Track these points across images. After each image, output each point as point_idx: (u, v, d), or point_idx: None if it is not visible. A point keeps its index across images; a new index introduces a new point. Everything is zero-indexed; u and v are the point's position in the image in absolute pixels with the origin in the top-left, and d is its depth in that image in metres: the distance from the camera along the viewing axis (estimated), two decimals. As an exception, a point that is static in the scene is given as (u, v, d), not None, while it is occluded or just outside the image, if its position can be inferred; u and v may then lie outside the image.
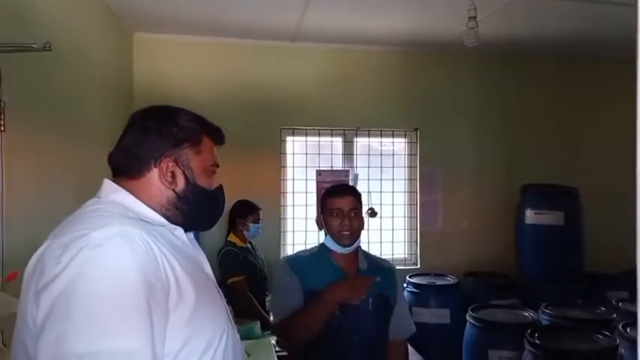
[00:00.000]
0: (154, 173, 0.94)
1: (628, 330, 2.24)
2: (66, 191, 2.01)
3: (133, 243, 0.80)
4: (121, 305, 0.75)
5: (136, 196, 0.93)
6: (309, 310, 1.53)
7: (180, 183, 0.96)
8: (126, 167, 0.95)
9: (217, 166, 1.03)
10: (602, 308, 2.68)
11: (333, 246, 1.63)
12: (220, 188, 1.06)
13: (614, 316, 2.53)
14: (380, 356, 1.63)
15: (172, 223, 0.96)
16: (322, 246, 1.67)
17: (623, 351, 2.07)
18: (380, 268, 1.70)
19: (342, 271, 1.62)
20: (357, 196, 1.65)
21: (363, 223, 1.65)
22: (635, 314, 2.56)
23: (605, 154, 3.75)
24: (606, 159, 3.74)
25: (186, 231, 0.99)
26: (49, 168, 1.92)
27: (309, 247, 1.83)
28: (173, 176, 0.95)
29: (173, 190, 0.95)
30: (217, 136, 1.03)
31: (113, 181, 0.95)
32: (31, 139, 1.74)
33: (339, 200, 1.61)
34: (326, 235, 1.65)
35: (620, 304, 2.76)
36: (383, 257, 1.87)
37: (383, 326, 1.64)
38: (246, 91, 3.35)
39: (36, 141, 1.78)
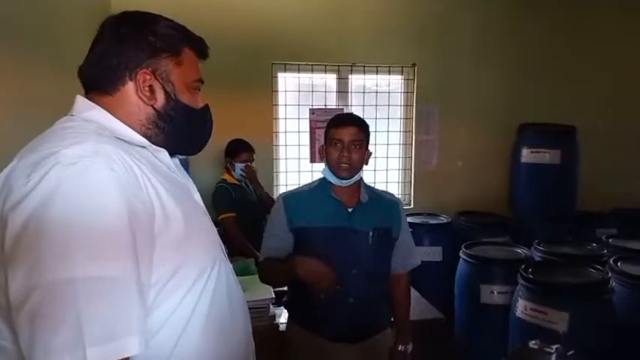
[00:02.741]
0: (130, 87, 0.85)
1: (619, 264, 2.28)
2: (46, 124, 1.90)
3: (112, 161, 0.71)
4: (100, 228, 0.67)
5: (112, 113, 0.84)
6: (279, 271, 1.54)
7: (160, 98, 0.87)
8: (98, 81, 0.85)
9: (202, 82, 0.93)
10: (593, 244, 2.71)
11: (330, 178, 1.57)
12: (206, 108, 0.96)
13: (605, 251, 2.57)
14: (380, 289, 1.63)
15: (154, 144, 0.87)
16: (323, 179, 1.62)
17: (614, 284, 2.11)
18: (382, 200, 1.66)
19: (342, 204, 1.58)
20: (361, 127, 1.56)
21: (365, 156, 1.58)
22: (624, 249, 2.60)
23: (606, 94, 3.68)
24: (606, 99, 3.68)
25: (170, 155, 0.90)
26: (27, 100, 1.80)
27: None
28: (151, 90, 0.85)
29: (152, 106, 0.86)
30: (200, 47, 0.92)
31: (86, 97, 0.85)
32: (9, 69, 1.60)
33: (340, 130, 1.53)
34: (326, 166, 1.59)
35: (610, 240, 2.81)
36: (387, 191, 1.81)
37: (384, 259, 1.63)
38: (235, 23, 3.14)
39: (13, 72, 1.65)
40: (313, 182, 1.68)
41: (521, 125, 3.55)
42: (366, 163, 1.60)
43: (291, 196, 1.63)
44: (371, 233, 1.56)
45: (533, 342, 1.11)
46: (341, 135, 1.52)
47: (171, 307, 0.79)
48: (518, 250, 2.69)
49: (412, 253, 1.72)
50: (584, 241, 2.79)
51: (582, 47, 3.66)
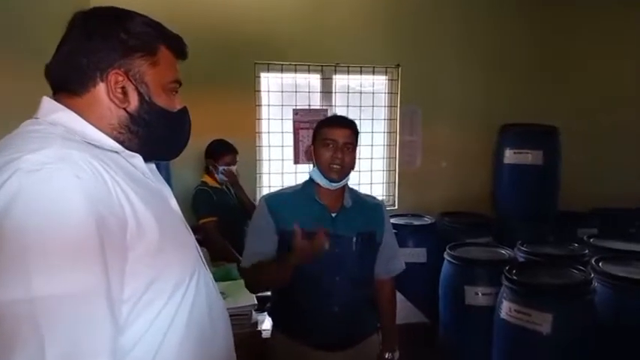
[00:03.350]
0: (101, 89, 0.79)
1: (600, 264, 2.30)
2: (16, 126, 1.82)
3: (78, 168, 0.66)
4: (64, 239, 0.62)
5: (81, 116, 0.78)
6: (267, 273, 1.48)
7: (134, 101, 0.81)
8: (67, 81, 0.79)
9: (179, 83, 0.88)
10: (575, 244, 2.74)
11: (320, 179, 1.52)
12: (184, 110, 0.91)
13: (586, 251, 2.59)
14: (365, 295, 1.60)
15: (127, 149, 0.82)
16: (308, 181, 1.57)
17: (596, 284, 2.13)
18: (365, 204, 1.63)
19: (325, 208, 1.53)
20: (354, 130, 1.52)
21: (355, 160, 1.54)
22: (605, 249, 2.63)
23: (587, 95, 3.73)
24: (587, 99, 3.73)
25: (146, 160, 0.85)
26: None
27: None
28: (124, 92, 0.80)
29: (125, 109, 0.81)
30: (178, 46, 0.86)
31: (53, 99, 0.79)
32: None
33: (335, 131, 1.49)
34: (314, 167, 1.54)
35: (591, 240, 2.84)
36: (369, 194, 1.78)
37: (368, 264, 1.59)
38: (217, 21, 3.09)
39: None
40: (297, 185, 1.63)
41: (504, 126, 3.57)
42: (354, 167, 1.56)
43: (273, 198, 1.57)
44: (355, 239, 1.51)
45: None
46: (335, 135, 1.48)
47: (146, 322, 0.74)
48: (502, 251, 2.70)
49: (396, 257, 1.68)
50: (566, 241, 2.82)
51: (563, 49, 3.70)
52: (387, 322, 1.66)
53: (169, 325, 0.78)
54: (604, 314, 2.07)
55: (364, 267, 1.58)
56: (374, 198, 1.73)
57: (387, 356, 1.60)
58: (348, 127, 1.51)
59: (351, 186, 1.64)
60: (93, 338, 0.63)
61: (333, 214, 1.53)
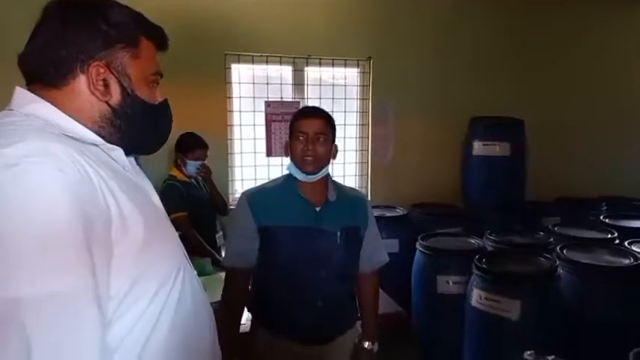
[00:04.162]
0: (81, 81, 0.76)
1: (564, 252, 2.39)
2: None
3: (61, 162, 0.63)
4: (49, 237, 0.59)
5: (60, 108, 0.74)
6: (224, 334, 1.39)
7: (116, 94, 0.78)
8: (44, 73, 0.75)
9: (161, 75, 0.86)
10: (541, 233, 2.83)
11: (296, 173, 1.50)
12: (166, 103, 0.89)
13: (551, 239, 2.69)
14: (348, 289, 1.60)
15: (108, 142, 0.79)
16: (289, 175, 1.55)
17: (561, 271, 2.21)
18: (350, 198, 1.61)
19: (309, 203, 1.51)
20: (326, 119, 1.50)
21: (332, 150, 1.52)
22: (569, 237, 2.74)
23: (552, 89, 3.86)
24: (553, 93, 3.86)
25: (126, 154, 0.83)
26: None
27: (259, 182, 1.72)
28: (106, 85, 0.77)
29: (107, 102, 0.78)
30: (159, 37, 0.84)
31: (28, 89, 0.76)
32: None
33: (305, 122, 1.47)
34: (291, 161, 1.53)
35: (555, 228, 2.94)
36: (353, 188, 1.78)
37: (352, 259, 1.58)
38: (186, 9, 3.01)
39: None
40: (278, 179, 1.60)
41: (473, 119, 3.65)
42: (334, 158, 1.55)
43: (255, 194, 1.54)
44: (339, 233, 1.50)
45: (528, 353, 1.11)
46: (305, 127, 1.46)
47: (133, 318, 0.73)
48: (472, 241, 2.77)
49: (379, 250, 1.67)
50: (532, 230, 2.92)
51: (531, 45, 3.81)
52: (369, 314, 1.66)
53: (156, 320, 0.77)
54: (569, 299, 2.15)
55: (348, 261, 1.57)
56: (358, 192, 1.74)
57: (366, 345, 1.60)
58: (318, 117, 1.49)
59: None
60: (82, 339, 0.62)
61: (317, 209, 1.51)
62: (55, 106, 0.75)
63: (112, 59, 0.77)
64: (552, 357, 1.08)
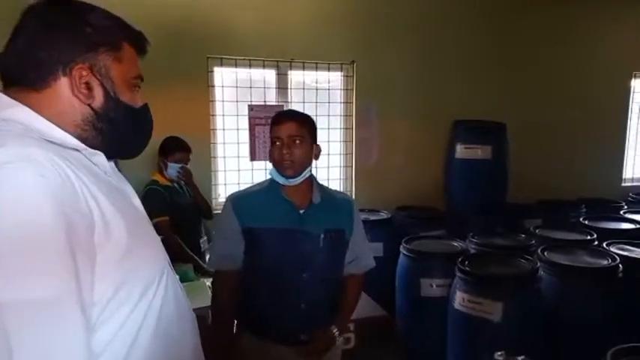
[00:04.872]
0: (63, 84, 0.75)
1: (545, 253, 2.42)
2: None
3: (42, 167, 0.62)
4: (31, 244, 0.59)
5: (37, 112, 0.73)
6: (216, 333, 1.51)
7: (99, 97, 0.78)
8: (23, 76, 0.74)
9: (142, 79, 0.86)
10: (522, 235, 2.87)
11: (277, 177, 1.52)
12: (146, 107, 0.88)
13: (533, 241, 2.73)
14: (332, 292, 1.59)
15: (90, 147, 0.78)
16: (273, 179, 1.55)
17: (542, 272, 2.24)
18: (335, 201, 1.62)
19: (293, 205, 1.52)
20: (300, 121, 1.51)
21: (311, 152, 1.52)
22: (550, 239, 2.78)
23: (533, 93, 3.93)
24: (534, 97, 3.93)
25: (108, 158, 0.82)
26: None
27: (242, 187, 1.72)
28: (89, 88, 0.76)
29: (90, 105, 0.77)
30: (139, 41, 0.84)
31: (5, 93, 0.74)
32: None
33: (278, 127, 1.48)
34: (272, 166, 1.54)
35: (536, 230, 2.99)
36: (340, 191, 1.78)
37: (336, 261, 1.59)
38: (167, 11, 2.97)
39: None
40: (263, 182, 1.61)
41: (456, 122, 3.69)
42: (316, 159, 1.55)
43: (239, 197, 1.56)
44: (322, 236, 1.51)
45: (499, 353, 1.12)
46: (279, 132, 1.48)
47: (116, 325, 0.72)
48: (455, 244, 2.79)
49: (366, 254, 1.67)
50: (513, 232, 2.96)
51: (512, 49, 3.87)
52: (345, 310, 1.64)
53: (140, 326, 0.76)
54: (549, 300, 2.19)
55: (332, 264, 1.57)
56: (344, 195, 1.75)
57: (334, 331, 1.54)
58: (291, 120, 1.50)
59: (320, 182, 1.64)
60: (66, 345, 0.61)
61: (301, 211, 1.52)
62: (34, 110, 0.73)
63: (95, 62, 0.77)
64: (522, 357, 1.09)
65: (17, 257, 0.58)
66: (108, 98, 0.79)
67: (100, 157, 0.79)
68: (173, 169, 2.62)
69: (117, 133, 0.82)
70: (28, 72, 0.74)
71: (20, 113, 0.72)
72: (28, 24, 0.75)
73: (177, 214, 2.57)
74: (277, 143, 1.48)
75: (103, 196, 0.71)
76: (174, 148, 2.62)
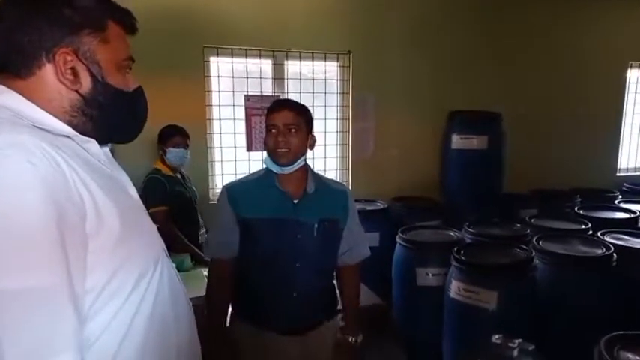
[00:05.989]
0: (48, 70, 0.73)
1: (540, 243, 2.44)
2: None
3: (31, 155, 0.61)
4: (21, 233, 0.58)
5: (28, 99, 0.72)
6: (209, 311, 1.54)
7: (86, 82, 0.76)
8: (7, 63, 0.73)
9: (132, 60, 0.83)
10: (518, 225, 2.89)
11: (272, 166, 1.51)
12: (140, 90, 0.86)
13: (528, 231, 2.75)
14: (325, 281, 1.61)
15: (81, 133, 0.77)
16: (267, 168, 1.55)
17: (537, 261, 2.26)
18: (330, 191, 1.61)
19: (288, 195, 1.52)
20: (296, 110, 1.50)
21: (306, 142, 1.52)
22: (545, 228, 2.80)
23: (529, 83, 3.93)
24: (529, 87, 3.93)
25: (101, 144, 0.81)
26: None
27: (239, 176, 1.72)
28: (74, 73, 0.74)
29: (77, 91, 0.75)
30: (127, 20, 0.81)
31: None
32: None
33: (274, 115, 1.48)
34: (267, 155, 1.53)
35: (532, 220, 3.01)
36: (336, 180, 1.78)
37: (330, 251, 1.59)
38: (161, 1, 2.94)
39: None
40: (259, 172, 1.61)
41: (452, 113, 3.69)
42: (311, 148, 1.55)
43: (234, 187, 1.56)
44: (316, 225, 1.51)
45: (496, 337, 1.13)
46: (275, 120, 1.47)
47: (110, 313, 0.72)
48: (451, 233, 2.81)
49: (361, 243, 1.68)
50: (509, 221, 2.97)
51: (508, 39, 3.86)
52: (351, 308, 1.67)
53: (134, 314, 0.76)
54: (544, 289, 2.21)
55: (326, 253, 1.58)
56: (340, 184, 1.74)
57: (350, 340, 1.60)
58: (287, 108, 1.49)
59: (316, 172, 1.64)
60: (58, 334, 0.61)
61: (295, 201, 1.52)
62: (24, 96, 0.72)
63: (80, 45, 0.75)
64: (519, 340, 1.11)
65: (5, 247, 0.57)
66: (96, 83, 0.77)
67: (92, 144, 0.78)
68: (172, 153, 2.61)
69: (108, 118, 0.79)
70: (11, 60, 0.72)
71: (9, 100, 0.71)
72: (6, 9, 0.73)
73: (177, 204, 2.57)
74: (273, 131, 1.47)
75: (95, 184, 0.70)
76: (173, 133, 2.62)
